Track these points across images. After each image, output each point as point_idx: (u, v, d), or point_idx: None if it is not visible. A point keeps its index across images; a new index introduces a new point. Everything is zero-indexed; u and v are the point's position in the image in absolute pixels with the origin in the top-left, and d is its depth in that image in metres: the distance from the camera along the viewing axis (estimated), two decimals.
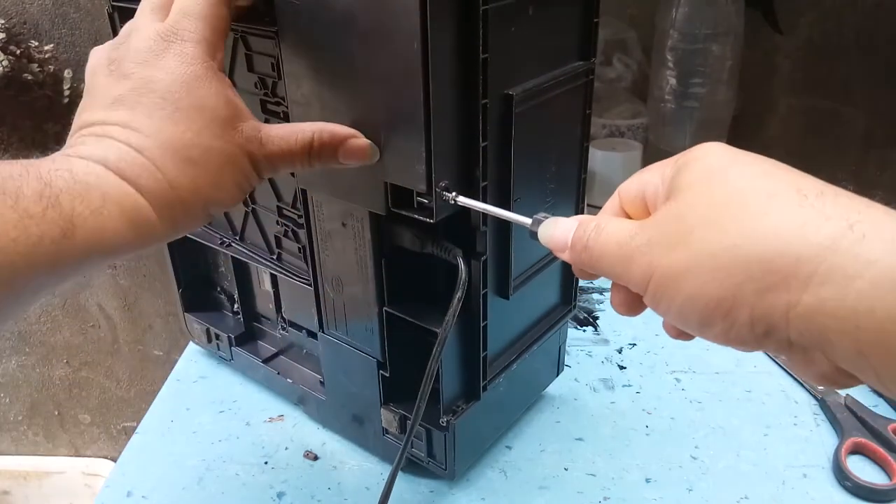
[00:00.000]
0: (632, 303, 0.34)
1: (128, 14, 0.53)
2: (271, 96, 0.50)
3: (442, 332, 0.44)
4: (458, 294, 0.44)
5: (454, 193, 0.41)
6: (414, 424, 0.47)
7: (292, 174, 0.50)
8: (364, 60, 0.40)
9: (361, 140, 0.41)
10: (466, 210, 0.43)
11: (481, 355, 0.50)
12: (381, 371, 0.53)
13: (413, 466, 0.57)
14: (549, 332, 0.58)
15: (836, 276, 0.24)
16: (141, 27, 0.38)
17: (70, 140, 0.36)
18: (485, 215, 0.44)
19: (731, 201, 0.27)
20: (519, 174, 0.46)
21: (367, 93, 0.41)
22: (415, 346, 0.50)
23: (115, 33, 0.54)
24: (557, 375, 0.64)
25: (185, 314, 0.70)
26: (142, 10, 0.39)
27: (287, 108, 0.46)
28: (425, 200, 0.42)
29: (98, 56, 0.39)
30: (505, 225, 0.47)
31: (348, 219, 0.48)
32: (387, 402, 0.54)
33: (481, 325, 0.49)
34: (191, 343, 0.73)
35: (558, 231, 0.34)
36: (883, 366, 0.24)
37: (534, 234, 0.36)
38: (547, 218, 0.36)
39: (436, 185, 0.41)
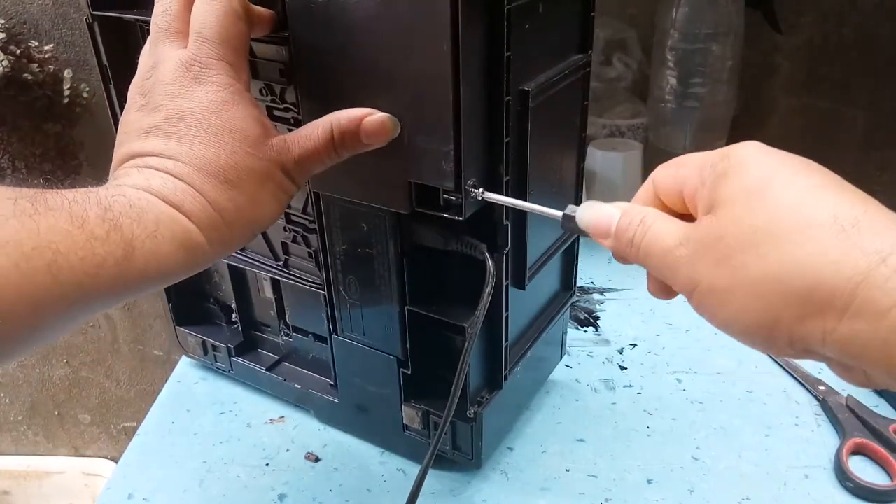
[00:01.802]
0: (668, 290, 0.35)
1: (107, 23, 0.53)
2: (279, 102, 0.50)
3: (473, 326, 0.45)
4: (489, 288, 0.45)
5: (481, 189, 0.42)
6: (447, 418, 0.47)
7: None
8: (387, 61, 0.40)
9: (378, 115, 0.41)
10: (489, 205, 0.44)
11: (504, 345, 0.51)
12: (401, 369, 0.53)
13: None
14: (556, 318, 0.60)
15: (868, 309, 0.25)
16: (164, 58, 0.38)
17: (113, 175, 0.37)
18: (506, 210, 0.45)
19: (769, 229, 0.28)
20: (532, 167, 0.47)
21: (390, 93, 0.41)
22: (434, 341, 0.51)
23: (94, 43, 0.54)
24: (561, 359, 0.67)
25: (177, 328, 0.68)
26: (159, 38, 0.39)
27: (298, 113, 0.46)
28: (452, 198, 0.42)
29: (130, 92, 0.39)
30: (521, 218, 0.48)
31: (367, 220, 0.48)
32: (408, 400, 0.55)
33: (504, 316, 0.50)
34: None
35: (602, 217, 0.35)
36: None
37: (566, 226, 0.37)
38: (575, 211, 0.36)
39: (464, 182, 0.41)
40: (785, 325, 0.28)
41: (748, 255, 0.28)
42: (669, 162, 0.35)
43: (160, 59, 0.38)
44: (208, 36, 0.38)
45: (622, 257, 0.35)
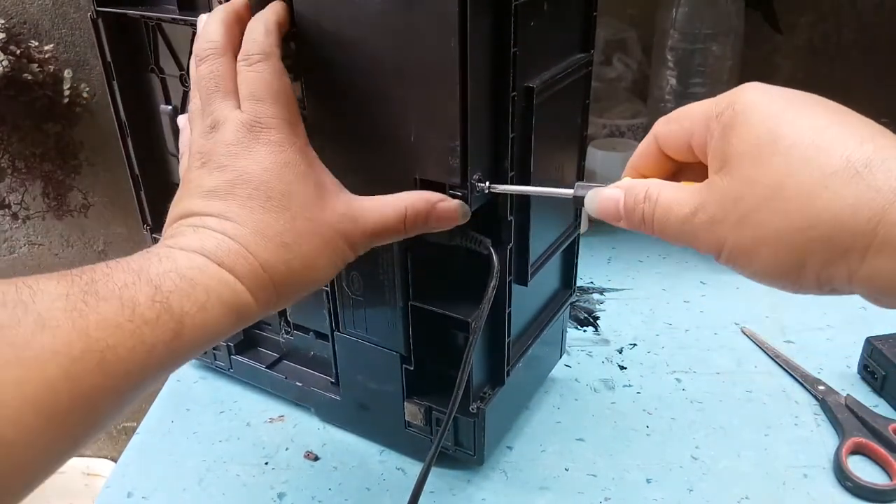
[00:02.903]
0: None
1: (111, 20, 0.53)
2: None
3: (477, 321, 0.45)
4: (493, 282, 0.45)
5: (487, 182, 0.42)
6: (451, 413, 0.47)
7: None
8: (395, 56, 0.40)
9: (451, 202, 0.41)
10: (493, 201, 0.44)
11: (506, 341, 0.52)
12: (404, 365, 0.53)
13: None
14: (557, 315, 0.60)
15: (888, 246, 0.27)
16: (223, 118, 0.38)
17: (168, 231, 0.37)
18: (511, 205, 0.46)
19: (784, 184, 0.29)
20: (535, 164, 0.47)
21: (396, 90, 0.41)
22: (437, 337, 0.51)
23: (98, 40, 0.54)
24: (560, 358, 0.67)
25: None
26: (211, 97, 0.39)
27: (303, 108, 0.46)
28: (458, 193, 0.43)
29: (191, 149, 0.39)
30: (525, 214, 0.48)
31: None
32: (410, 396, 0.55)
33: (506, 311, 0.50)
34: None
35: (607, 202, 0.36)
36: None
37: (578, 202, 0.37)
38: (585, 186, 0.37)
39: (470, 177, 0.42)
40: (812, 270, 0.29)
41: (768, 213, 0.29)
42: (670, 115, 0.35)
43: (219, 119, 0.38)
44: (261, 96, 0.38)
45: (641, 231, 0.36)
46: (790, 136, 0.29)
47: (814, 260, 0.29)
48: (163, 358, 0.31)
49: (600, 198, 0.36)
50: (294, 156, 0.38)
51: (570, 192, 0.38)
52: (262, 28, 0.40)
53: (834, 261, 0.28)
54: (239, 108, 0.38)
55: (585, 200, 0.37)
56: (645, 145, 0.36)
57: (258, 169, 0.37)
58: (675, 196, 0.33)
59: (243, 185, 0.37)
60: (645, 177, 0.37)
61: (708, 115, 0.32)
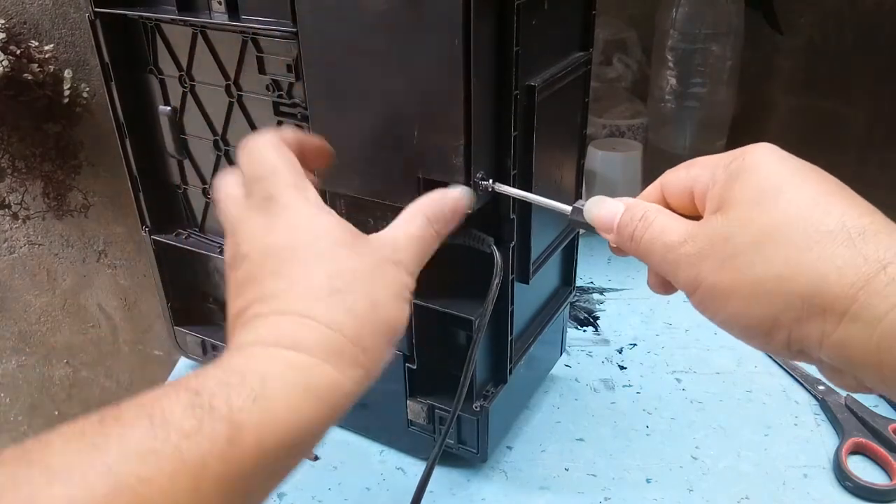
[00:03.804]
0: (668, 285, 0.35)
1: (109, 20, 0.53)
2: (287, 98, 0.50)
3: (480, 320, 0.46)
4: (497, 281, 0.45)
5: (491, 181, 0.43)
6: (455, 411, 0.47)
7: (313, 171, 0.51)
8: (398, 56, 0.41)
9: (453, 190, 0.39)
10: (495, 200, 0.45)
11: (509, 339, 0.52)
12: (407, 364, 0.53)
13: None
14: (557, 313, 0.60)
15: (865, 314, 0.26)
16: (238, 217, 0.35)
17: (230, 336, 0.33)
18: (513, 203, 0.46)
19: (778, 231, 0.29)
20: (537, 162, 0.47)
21: (399, 89, 0.41)
22: (440, 336, 0.51)
23: (96, 41, 0.54)
24: (560, 356, 0.67)
25: (176, 328, 0.68)
26: (227, 206, 0.36)
27: (305, 109, 0.46)
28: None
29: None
30: (526, 212, 0.48)
31: (373, 215, 0.48)
32: (413, 395, 0.55)
33: (509, 310, 0.50)
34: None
35: (605, 212, 0.36)
36: None
37: (574, 219, 0.37)
38: (584, 205, 0.37)
39: (473, 176, 0.42)
40: (785, 326, 0.28)
41: (755, 256, 0.29)
42: (680, 165, 0.35)
43: (232, 222, 0.36)
44: (265, 173, 0.34)
45: (622, 251, 0.35)
46: (793, 192, 0.29)
47: (789, 315, 0.28)
48: (223, 476, 0.25)
49: (602, 206, 0.36)
50: (311, 209, 0.34)
51: (568, 207, 0.38)
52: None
53: (810, 319, 0.28)
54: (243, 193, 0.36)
55: (587, 205, 0.37)
56: (650, 189, 0.36)
57: (279, 239, 0.33)
58: (669, 223, 0.33)
59: (268, 260, 0.33)
60: None
61: (716, 165, 0.32)
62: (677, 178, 0.35)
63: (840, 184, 0.30)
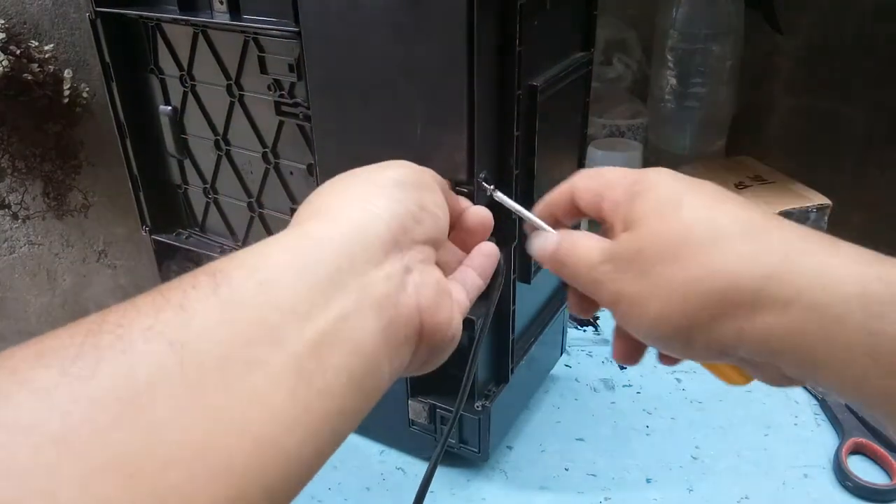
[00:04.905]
0: (592, 305, 0.36)
1: (110, 20, 0.53)
2: (288, 98, 0.50)
3: (484, 319, 0.45)
4: (500, 280, 0.45)
5: (492, 187, 0.42)
6: (457, 410, 0.47)
7: (310, 168, 0.51)
8: (401, 54, 0.41)
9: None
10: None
11: (510, 339, 0.52)
12: None
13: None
14: (558, 313, 0.61)
15: (775, 303, 0.27)
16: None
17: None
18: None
19: (684, 237, 0.30)
20: (538, 162, 0.47)
21: (403, 87, 0.42)
22: None
23: (97, 40, 0.54)
24: (561, 356, 0.67)
25: None
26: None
27: (307, 108, 0.46)
28: (464, 191, 0.43)
29: None
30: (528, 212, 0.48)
31: None
32: (414, 395, 0.55)
33: (511, 309, 0.51)
34: None
35: (547, 244, 0.36)
36: (820, 378, 0.27)
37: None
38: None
39: (476, 175, 0.42)
40: (704, 326, 0.29)
41: (666, 265, 0.30)
42: (591, 172, 0.36)
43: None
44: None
45: (561, 276, 0.36)
46: (691, 201, 0.31)
47: (705, 315, 0.29)
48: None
49: (543, 241, 0.36)
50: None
51: (556, 233, 0.38)
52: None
53: (725, 316, 0.28)
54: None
55: (532, 240, 0.37)
56: (561, 191, 0.37)
57: None
58: (589, 244, 0.34)
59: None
60: (556, 217, 0.37)
61: (623, 185, 0.34)
62: (588, 187, 0.36)
63: (732, 193, 0.32)
